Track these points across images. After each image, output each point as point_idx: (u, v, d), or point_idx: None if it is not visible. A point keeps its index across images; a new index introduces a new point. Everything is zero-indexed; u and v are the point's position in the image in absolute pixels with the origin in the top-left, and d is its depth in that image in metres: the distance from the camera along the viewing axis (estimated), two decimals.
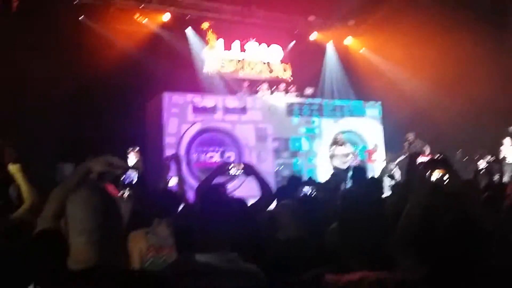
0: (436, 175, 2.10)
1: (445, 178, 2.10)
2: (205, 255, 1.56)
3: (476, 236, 1.59)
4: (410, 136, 9.35)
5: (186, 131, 9.37)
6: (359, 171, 4.65)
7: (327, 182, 4.48)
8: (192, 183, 8.30)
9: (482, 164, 4.11)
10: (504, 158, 9.49)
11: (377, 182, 3.91)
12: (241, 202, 2.90)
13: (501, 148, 9.84)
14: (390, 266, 1.65)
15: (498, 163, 6.72)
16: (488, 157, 4.52)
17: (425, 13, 10.90)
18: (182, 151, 9.25)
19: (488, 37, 10.80)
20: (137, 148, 8.10)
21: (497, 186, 3.99)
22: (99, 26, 10.37)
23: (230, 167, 3.18)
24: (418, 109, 12.03)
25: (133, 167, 1.95)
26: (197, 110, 9.61)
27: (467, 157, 10.79)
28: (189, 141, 9.40)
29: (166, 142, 9.16)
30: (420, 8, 10.91)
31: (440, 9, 10.70)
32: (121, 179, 1.86)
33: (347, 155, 9.82)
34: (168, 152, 9.08)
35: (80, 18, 10.21)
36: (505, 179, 8.73)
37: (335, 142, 9.95)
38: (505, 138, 10.00)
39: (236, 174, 3.22)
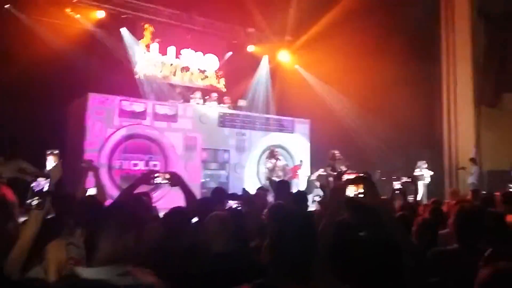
0: (356, 192, 2.15)
1: (365, 195, 2.16)
2: (95, 269, 1.48)
3: (391, 252, 1.65)
4: (336, 153, 9.74)
5: (110, 135, 8.94)
6: (285, 185, 4.73)
7: (254, 195, 4.48)
8: (113, 191, 7.90)
9: (397, 184, 4.34)
10: (418, 179, 10.23)
11: (304, 197, 3.99)
12: (171, 213, 2.80)
13: (416, 170, 10.62)
14: (318, 283, 1.66)
15: (412, 184, 7.20)
16: (404, 179, 4.80)
17: (357, 36, 11.51)
18: (104, 157, 8.80)
19: (412, 64, 11.65)
20: (56, 151, 7.52)
21: (410, 206, 4.25)
22: (26, 17, 9.68)
23: (155, 176, 3.06)
24: (343, 128, 12.64)
25: (46, 174, 1.78)
26: (124, 114, 9.23)
27: (384, 178, 11.50)
28: (112, 146, 8.96)
29: (87, 146, 8.66)
30: (352, 31, 11.49)
31: (371, 33, 11.37)
32: (31, 186, 1.70)
33: (283, 168, 10.03)
34: (88, 157, 8.58)
35: (5, 6, 9.49)
36: (419, 198, 9.42)
37: (273, 155, 10.08)
38: (420, 160, 10.81)
39: (161, 183, 3.11)
